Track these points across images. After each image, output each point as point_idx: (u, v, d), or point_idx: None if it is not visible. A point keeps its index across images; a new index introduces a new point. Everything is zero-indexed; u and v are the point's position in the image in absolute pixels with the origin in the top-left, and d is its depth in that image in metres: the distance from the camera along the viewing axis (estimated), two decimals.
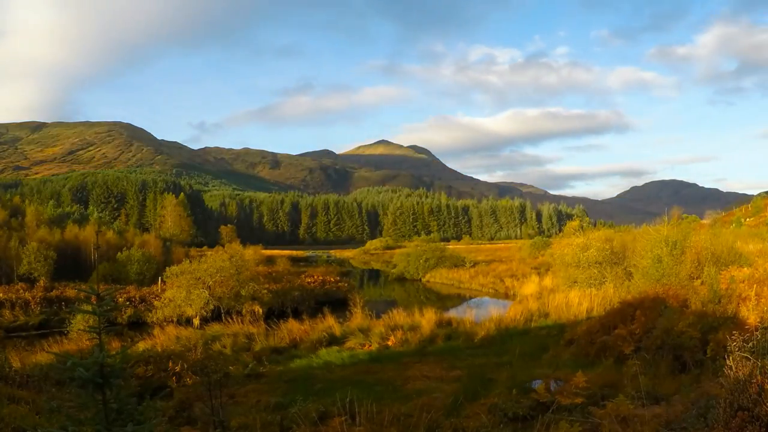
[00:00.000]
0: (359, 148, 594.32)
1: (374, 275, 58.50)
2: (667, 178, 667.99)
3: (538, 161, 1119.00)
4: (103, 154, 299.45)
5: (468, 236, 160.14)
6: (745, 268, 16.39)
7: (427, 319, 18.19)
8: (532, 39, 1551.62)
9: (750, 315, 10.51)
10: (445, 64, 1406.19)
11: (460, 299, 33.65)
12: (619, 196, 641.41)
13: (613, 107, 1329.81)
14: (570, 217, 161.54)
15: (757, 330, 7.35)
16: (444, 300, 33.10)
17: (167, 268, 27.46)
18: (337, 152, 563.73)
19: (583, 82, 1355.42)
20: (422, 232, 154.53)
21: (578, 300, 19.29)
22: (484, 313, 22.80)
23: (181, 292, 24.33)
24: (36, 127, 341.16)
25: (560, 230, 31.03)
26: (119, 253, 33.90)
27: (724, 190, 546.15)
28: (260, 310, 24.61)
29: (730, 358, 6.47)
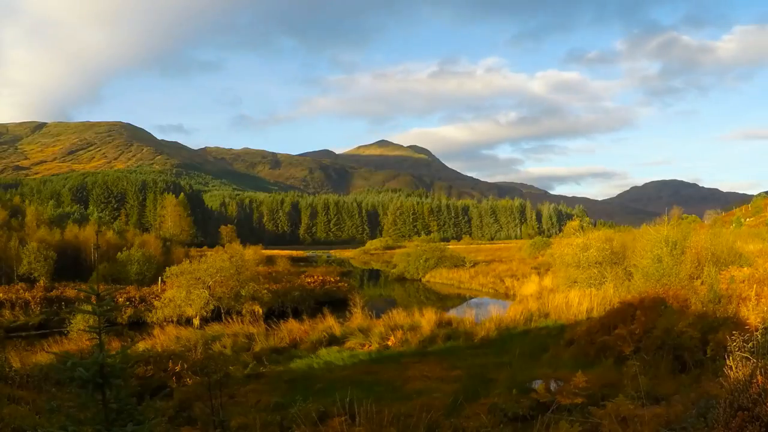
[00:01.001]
0: (359, 148, 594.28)
1: (374, 275, 58.50)
2: (667, 178, 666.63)
3: (506, 163, 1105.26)
4: (103, 154, 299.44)
5: (468, 236, 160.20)
6: (745, 268, 16.39)
7: (427, 319, 18.19)
8: (442, 50, 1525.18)
9: (750, 315, 10.50)
10: (364, 74, 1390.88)
11: (460, 299, 33.64)
12: (619, 196, 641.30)
13: (547, 109, 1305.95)
14: (570, 217, 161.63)
15: (757, 330, 7.36)
16: (444, 300, 33.10)
17: (167, 268, 27.45)
18: (337, 152, 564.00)
19: (508, 87, 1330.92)
20: (422, 232, 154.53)
21: (578, 300, 19.27)
22: (484, 313, 22.79)
23: (181, 292, 24.32)
24: (36, 127, 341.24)
25: (560, 230, 31.05)
26: (119, 253, 33.89)
27: (725, 190, 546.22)
28: (260, 310, 24.61)
29: (730, 358, 6.48)
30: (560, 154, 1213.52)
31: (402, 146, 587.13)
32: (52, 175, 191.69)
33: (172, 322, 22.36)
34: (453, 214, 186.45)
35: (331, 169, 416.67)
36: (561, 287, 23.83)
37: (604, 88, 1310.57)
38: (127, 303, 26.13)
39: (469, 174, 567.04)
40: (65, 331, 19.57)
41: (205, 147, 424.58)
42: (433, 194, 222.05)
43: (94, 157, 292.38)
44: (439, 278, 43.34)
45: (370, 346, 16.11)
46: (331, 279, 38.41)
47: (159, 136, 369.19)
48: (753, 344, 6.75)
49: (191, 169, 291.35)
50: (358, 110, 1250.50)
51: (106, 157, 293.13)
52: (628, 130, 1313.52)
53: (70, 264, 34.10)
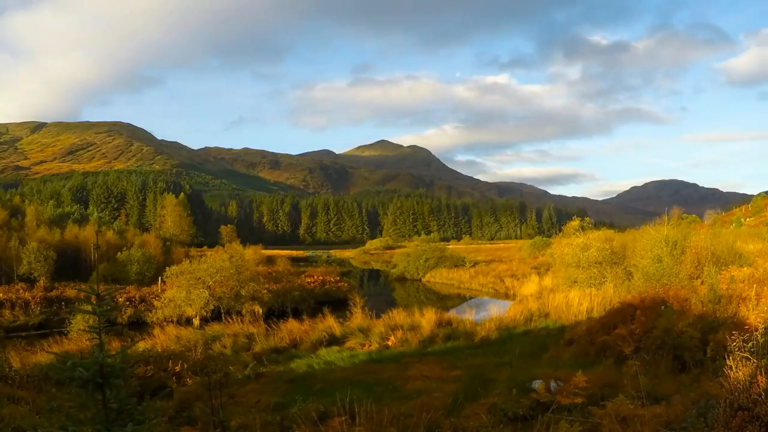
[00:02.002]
0: (359, 148, 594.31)
1: (374, 275, 58.51)
2: (667, 178, 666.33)
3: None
4: (103, 154, 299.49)
5: (468, 236, 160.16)
6: (745, 268, 16.40)
7: (427, 319, 18.19)
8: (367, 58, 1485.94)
9: (750, 315, 10.50)
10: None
11: (460, 299, 33.64)
12: (618, 196, 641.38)
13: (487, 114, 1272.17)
14: (570, 217, 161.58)
15: (757, 330, 7.36)
16: (444, 300, 33.10)
17: (167, 268, 27.46)
18: (336, 152, 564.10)
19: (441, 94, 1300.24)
20: (422, 232, 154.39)
21: (578, 300, 19.27)
22: (484, 313, 22.81)
23: (181, 292, 24.33)
24: (36, 127, 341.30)
25: (560, 230, 31.21)
26: (119, 253, 33.90)
27: (725, 190, 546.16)
28: (260, 310, 24.61)
29: (730, 358, 6.48)
30: (516, 159, 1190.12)
31: (402, 146, 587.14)
32: (52, 175, 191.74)
33: (172, 322, 22.36)
34: (453, 214, 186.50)
35: (331, 169, 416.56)
36: (561, 287, 23.83)
37: (534, 93, 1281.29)
38: (127, 303, 26.13)
39: (469, 174, 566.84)
40: (65, 331, 19.57)
41: (205, 147, 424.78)
42: (433, 194, 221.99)
43: (94, 157, 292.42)
44: (439, 278, 43.35)
45: (370, 346, 16.11)
46: (331, 279, 38.42)
47: None
48: (753, 344, 6.75)
49: (191, 169, 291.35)
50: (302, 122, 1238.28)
51: (106, 157, 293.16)
52: (573, 132, 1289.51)
53: (70, 264, 34.11)
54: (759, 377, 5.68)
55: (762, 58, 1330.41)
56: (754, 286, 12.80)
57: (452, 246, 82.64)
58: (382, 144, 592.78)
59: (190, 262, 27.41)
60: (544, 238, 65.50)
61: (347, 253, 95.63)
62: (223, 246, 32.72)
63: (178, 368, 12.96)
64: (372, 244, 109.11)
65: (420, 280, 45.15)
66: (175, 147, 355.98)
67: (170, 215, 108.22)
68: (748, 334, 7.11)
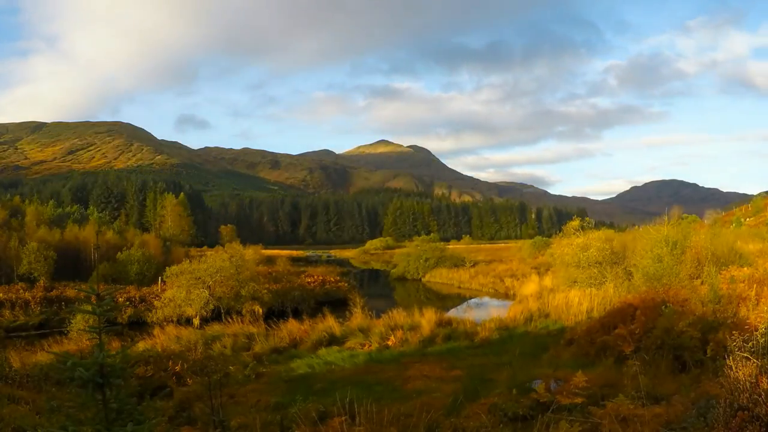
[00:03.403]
0: (359, 147, 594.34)
1: (374, 275, 58.52)
2: (667, 177, 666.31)
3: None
4: (103, 154, 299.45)
5: (468, 236, 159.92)
6: (745, 268, 16.41)
7: (427, 319, 18.19)
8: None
9: (750, 315, 10.51)
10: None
11: (460, 299, 33.65)
12: (618, 196, 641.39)
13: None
14: (570, 217, 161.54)
15: (757, 330, 7.36)
16: (444, 300, 33.10)
17: (167, 268, 27.47)
18: (337, 152, 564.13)
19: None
20: (422, 232, 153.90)
21: (578, 300, 19.27)
22: (484, 313, 22.83)
23: (181, 292, 24.34)
24: (36, 127, 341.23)
25: (560, 230, 31.17)
26: (119, 253, 33.90)
27: (725, 190, 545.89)
28: (260, 310, 24.62)
29: (730, 358, 6.48)
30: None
31: (402, 146, 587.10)
32: (52, 175, 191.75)
33: (172, 322, 22.37)
34: (453, 214, 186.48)
35: (331, 169, 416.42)
36: (561, 287, 23.84)
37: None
38: (127, 303, 26.13)
39: (469, 174, 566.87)
40: (65, 331, 19.58)
41: (205, 147, 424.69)
42: (433, 194, 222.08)
43: (94, 157, 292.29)
44: (439, 278, 43.35)
45: (370, 346, 16.11)
46: (331, 279, 38.41)
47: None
48: (753, 344, 6.75)
49: (191, 169, 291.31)
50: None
51: (106, 157, 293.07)
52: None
53: (70, 264, 34.09)
54: (759, 377, 5.68)
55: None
56: (754, 286, 12.81)
57: (452, 246, 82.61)
58: (382, 144, 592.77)
59: (190, 262, 27.42)
60: (544, 238, 65.41)
61: (347, 253, 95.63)
62: (223, 246, 32.67)
63: (178, 368, 12.97)
64: (372, 244, 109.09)
65: (420, 280, 45.15)
66: (175, 147, 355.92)
67: (170, 215, 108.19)
68: (748, 334, 7.11)
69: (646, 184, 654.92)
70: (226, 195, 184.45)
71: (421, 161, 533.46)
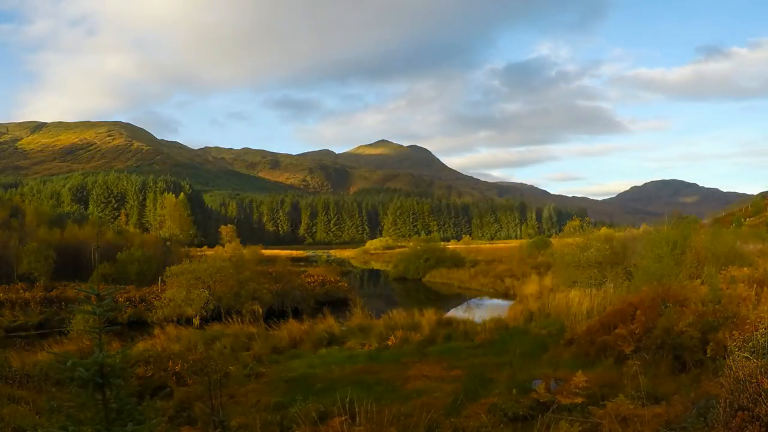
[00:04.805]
0: (359, 148, 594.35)
1: (374, 275, 58.52)
2: (667, 177, 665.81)
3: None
4: (103, 154, 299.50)
5: (468, 236, 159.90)
6: (745, 268, 16.42)
7: (427, 318, 18.20)
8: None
9: (750, 315, 10.50)
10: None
11: (460, 299, 33.64)
12: (618, 196, 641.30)
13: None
14: (570, 217, 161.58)
15: (757, 330, 7.36)
16: (444, 300, 33.10)
17: (167, 268, 27.46)
18: (337, 152, 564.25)
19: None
20: (422, 232, 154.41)
21: (578, 300, 19.25)
22: (484, 313, 22.81)
23: (181, 292, 24.34)
24: (36, 127, 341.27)
25: (560, 230, 31.07)
26: (119, 253, 33.88)
27: (725, 190, 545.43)
28: (260, 310, 24.60)
29: (730, 358, 6.47)
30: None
31: (402, 146, 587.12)
32: (52, 175, 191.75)
33: (172, 321, 22.35)
34: (453, 214, 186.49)
35: (331, 169, 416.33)
36: (561, 287, 23.84)
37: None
38: (127, 303, 26.11)
39: (469, 174, 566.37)
40: (65, 331, 19.55)
41: (205, 147, 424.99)
42: (433, 194, 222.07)
43: (93, 157, 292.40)
44: (439, 278, 43.34)
45: (370, 346, 16.11)
46: (331, 279, 38.40)
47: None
48: (753, 344, 6.75)
49: (191, 168, 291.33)
50: None
51: (105, 157, 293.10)
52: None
53: (70, 264, 34.08)
54: (759, 377, 5.68)
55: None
56: (754, 286, 12.82)
57: (452, 246, 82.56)
58: (383, 144, 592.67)
59: (190, 261, 27.44)
60: (544, 238, 65.47)
61: (347, 253, 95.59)
62: (223, 246, 32.69)
63: (178, 368, 12.95)
64: (372, 244, 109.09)
65: (420, 280, 45.14)
66: (175, 147, 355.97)
67: (170, 215, 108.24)
68: (748, 334, 7.11)
69: (646, 184, 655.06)
70: (226, 195, 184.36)
71: (421, 161, 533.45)
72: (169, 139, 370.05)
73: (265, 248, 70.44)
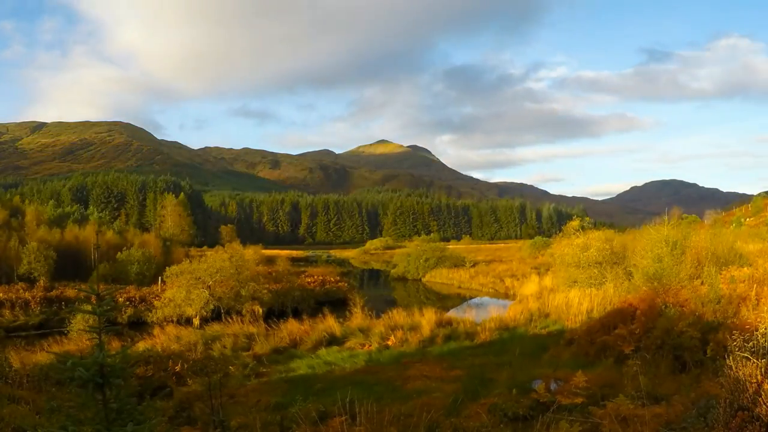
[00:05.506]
0: (359, 147, 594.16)
1: (374, 275, 58.52)
2: (667, 177, 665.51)
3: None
4: (103, 154, 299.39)
5: (468, 236, 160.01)
6: (745, 268, 16.41)
7: (427, 319, 18.19)
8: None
9: (750, 315, 10.50)
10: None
11: (460, 299, 33.65)
12: (618, 196, 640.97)
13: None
14: (570, 217, 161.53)
15: (757, 330, 7.36)
16: (444, 300, 33.10)
17: (167, 268, 27.45)
18: (337, 152, 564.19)
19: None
20: (422, 232, 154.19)
21: (578, 300, 19.27)
22: (484, 313, 22.80)
23: (181, 292, 24.33)
24: (36, 127, 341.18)
25: (560, 230, 31.18)
26: (119, 253, 33.88)
27: (725, 190, 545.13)
28: (260, 310, 24.60)
29: (730, 358, 6.47)
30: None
31: (402, 146, 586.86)
32: (52, 175, 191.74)
33: (172, 322, 22.36)
34: (453, 214, 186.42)
35: (331, 169, 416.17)
36: (561, 287, 23.84)
37: None
38: (127, 303, 26.12)
39: (468, 174, 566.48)
40: (65, 331, 19.56)
41: (205, 147, 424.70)
42: (433, 194, 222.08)
43: (93, 157, 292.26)
44: (440, 278, 43.35)
45: (370, 346, 16.11)
46: (331, 279, 38.41)
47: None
48: (753, 344, 6.75)
49: (191, 168, 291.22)
50: None
51: (105, 157, 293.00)
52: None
53: (70, 264, 34.05)
54: (759, 377, 5.68)
55: None
56: (754, 286, 12.81)
57: (452, 246, 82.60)
58: (383, 144, 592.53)
59: (190, 262, 27.41)
60: (544, 238, 65.44)
61: (347, 253, 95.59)
62: (223, 246, 32.66)
63: (178, 368, 12.96)
64: (372, 244, 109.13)
65: (420, 280, 45.14)
66: (175, 147, 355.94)
67: (170, 215, 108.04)
68: (748, 334, 7.12)
69: (646, 184, 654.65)
70: (226, 195, 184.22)
71: (421, 161, 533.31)
72: (169, 139, 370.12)
73: (265, 248, 70.39)
